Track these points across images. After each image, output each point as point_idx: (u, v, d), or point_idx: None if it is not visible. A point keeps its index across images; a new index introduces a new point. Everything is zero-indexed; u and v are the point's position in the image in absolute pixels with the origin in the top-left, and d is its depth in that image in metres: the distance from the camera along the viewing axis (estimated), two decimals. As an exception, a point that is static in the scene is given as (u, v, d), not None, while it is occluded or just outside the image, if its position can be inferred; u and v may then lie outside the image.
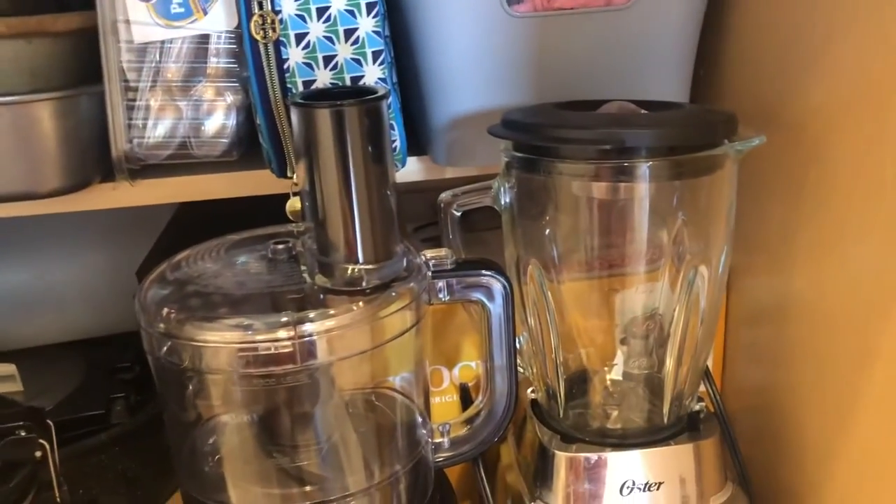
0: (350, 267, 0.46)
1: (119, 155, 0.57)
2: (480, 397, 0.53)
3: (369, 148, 0.45)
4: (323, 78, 0.52)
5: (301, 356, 0.46)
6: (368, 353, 0.47)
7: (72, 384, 0.79)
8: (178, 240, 0.69)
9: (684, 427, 0.52)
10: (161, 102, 0.58)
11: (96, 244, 0.76)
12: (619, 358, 0.53)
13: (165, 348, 0.46)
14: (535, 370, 0.54)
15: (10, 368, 0.71)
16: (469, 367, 0.62)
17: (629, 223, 0.48)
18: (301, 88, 0.51)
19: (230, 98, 0.59)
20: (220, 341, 0.45)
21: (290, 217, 0.58)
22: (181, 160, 0.60)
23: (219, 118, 0.59)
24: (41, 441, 0.48)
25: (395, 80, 0.55)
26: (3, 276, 0.73)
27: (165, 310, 0.46)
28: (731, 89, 0.60)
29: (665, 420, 0.52)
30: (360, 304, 0.46)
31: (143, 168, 0.59)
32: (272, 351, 0.45)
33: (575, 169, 0.47)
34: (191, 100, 0.58)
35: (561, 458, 0.51)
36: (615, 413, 0.54)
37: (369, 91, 0.46)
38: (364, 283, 0.47)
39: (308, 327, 0.45)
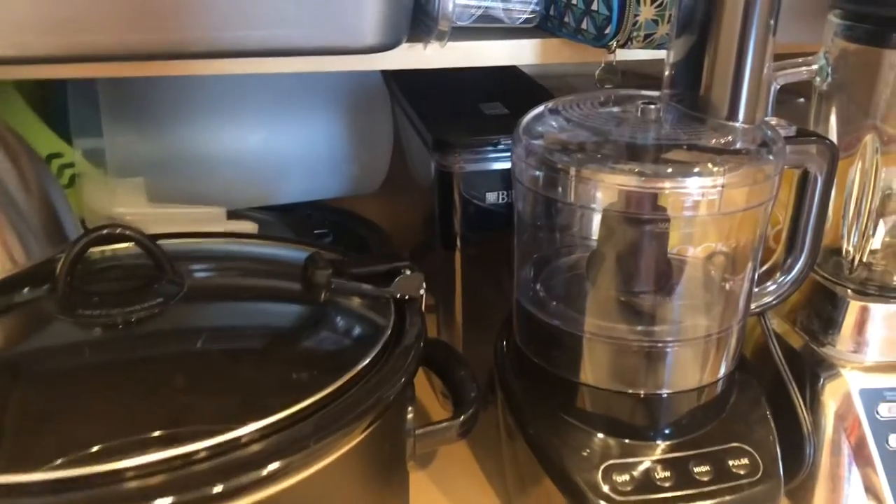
0: (729, 124, 0.51)
1: (445, 14, 0.58)
2: (783, 254, 0.59)
3: (771, 24, 0.49)
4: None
5: (680, 207, 0.51)
6: (738, 213, 0.52)
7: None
8: (436, 105, 0.72)
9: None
10: (477, -36, 0.60)
11: (316, 112, 0.76)
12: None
13: (547, 182, 0.51)
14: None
15: (252, 227, 0.73)
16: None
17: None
18: (658, -42, 0.54)
19: (540, -35, 0.61)
20: (607, 183, 0.50)
21: (601, 84, 0.62)
22: (484, 24, 0.62)
23: (527, -16, 0.61)
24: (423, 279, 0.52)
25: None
26: (234, 136, 0.73)
27: (551, 147, 0.51)
28: None
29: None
30: (742, 164, 0.51)
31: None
32: (651, 198, 0.50)
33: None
34: (504, -36, 0.60)
35: (854, 306, 0.59)
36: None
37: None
38: (738, 145, 0.51)
39: (693, 181, 0.50)
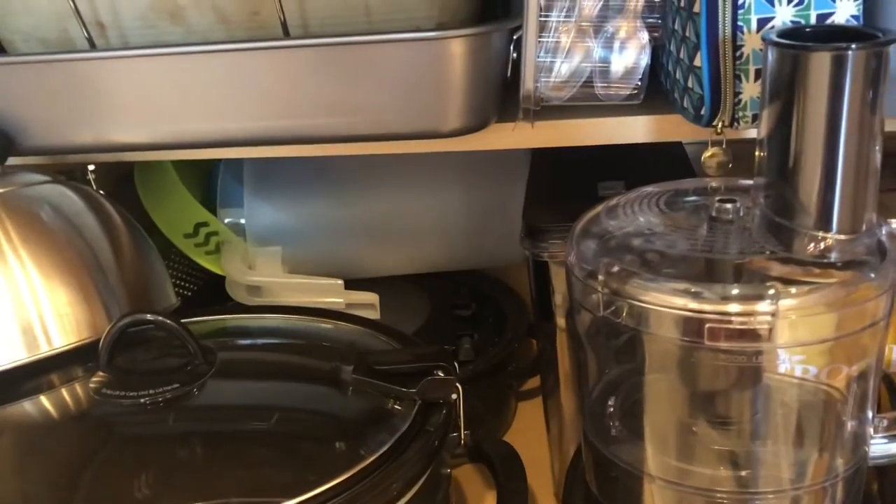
0: (819, 235, 0.41)
1: (527, 94, 0.55)
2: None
3: (868, 98, 0.39)
4: (784, 15, 0.45)
5: (753, 336, 0.41)
6: (829, 342, 0.42)
7: (420, 318, 0.81)
8: (549, 184, 0.68)
9: None
10: (571, 40, 0.55)
11: (451, 182, 0.76)
12: None
13: (601, 301, 0.44)
14: None
15: (372, 298, 0.73)
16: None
17: None
18: (755, 26, 0.46)
19: (645, 37, 0.55)
20: (666, 306, 0.42)
21: (706, 170, 0.54)
22: (582, 102, 0.57)
23: (630, 58, 0.55)
24: (456, 383, 0.48)
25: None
26: (367, 207, 0.75)
27: (606, 262, 0.44)
28: None
29: None
30: (830, 282, 0.40)
31: (541, 109, 0.57)
32: (720, 325, 0.41)
33: None
34: (602, 38, 0.55)
35: None
36: None
37: (857, 33, 0.40)
38: (834, 257, 0.41)
39: (763, 305, 0.40)
